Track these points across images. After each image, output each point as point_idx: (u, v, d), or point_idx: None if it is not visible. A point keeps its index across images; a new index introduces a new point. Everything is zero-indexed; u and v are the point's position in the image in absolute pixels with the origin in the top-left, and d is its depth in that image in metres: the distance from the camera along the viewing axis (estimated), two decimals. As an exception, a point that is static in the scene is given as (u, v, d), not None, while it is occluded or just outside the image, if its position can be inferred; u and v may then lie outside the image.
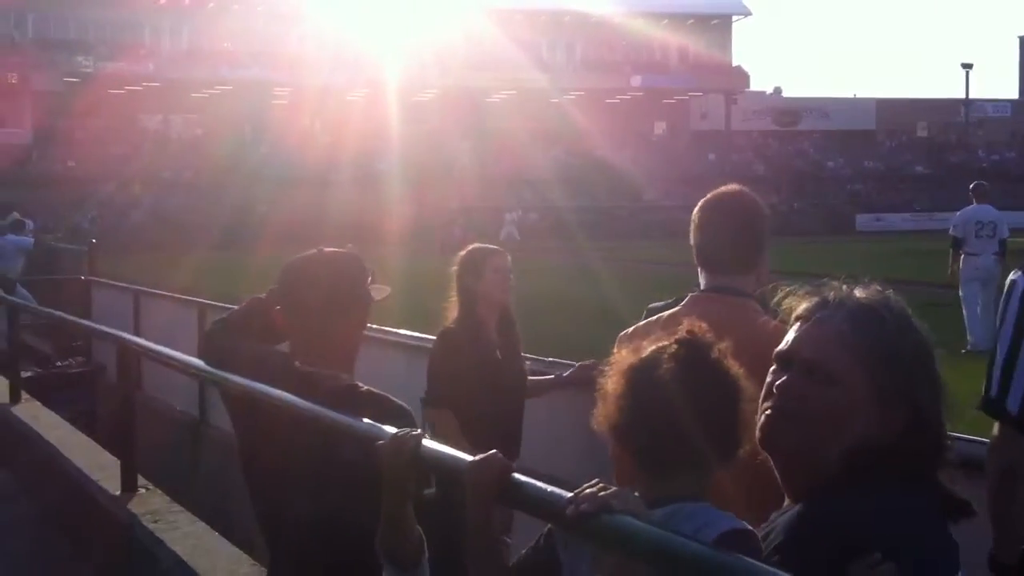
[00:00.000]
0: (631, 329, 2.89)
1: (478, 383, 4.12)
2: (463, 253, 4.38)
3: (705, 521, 1.74)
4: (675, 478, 1.81)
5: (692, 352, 1.82)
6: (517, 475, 1.79)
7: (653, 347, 1.88)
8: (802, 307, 1.68)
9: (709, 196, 2.82)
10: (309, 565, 2.66)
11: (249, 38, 56.45)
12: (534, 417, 4.38)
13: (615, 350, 2.90)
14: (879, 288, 1.67)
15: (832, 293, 1.67)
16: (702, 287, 2.80)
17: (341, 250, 2.84)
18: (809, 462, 1.61)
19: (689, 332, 1.86)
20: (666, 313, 2.80)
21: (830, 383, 1.59)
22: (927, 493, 1.57)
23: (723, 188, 2.85)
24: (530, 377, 4.49)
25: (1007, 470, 2.42)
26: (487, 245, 4.50)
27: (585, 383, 4.36)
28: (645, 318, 3.39)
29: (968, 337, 11.70)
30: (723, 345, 1.86)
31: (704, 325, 1.89)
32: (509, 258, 4.41)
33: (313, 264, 2.77)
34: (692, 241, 2.83)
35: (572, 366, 4.53)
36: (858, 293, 1.66)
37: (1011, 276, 2.50)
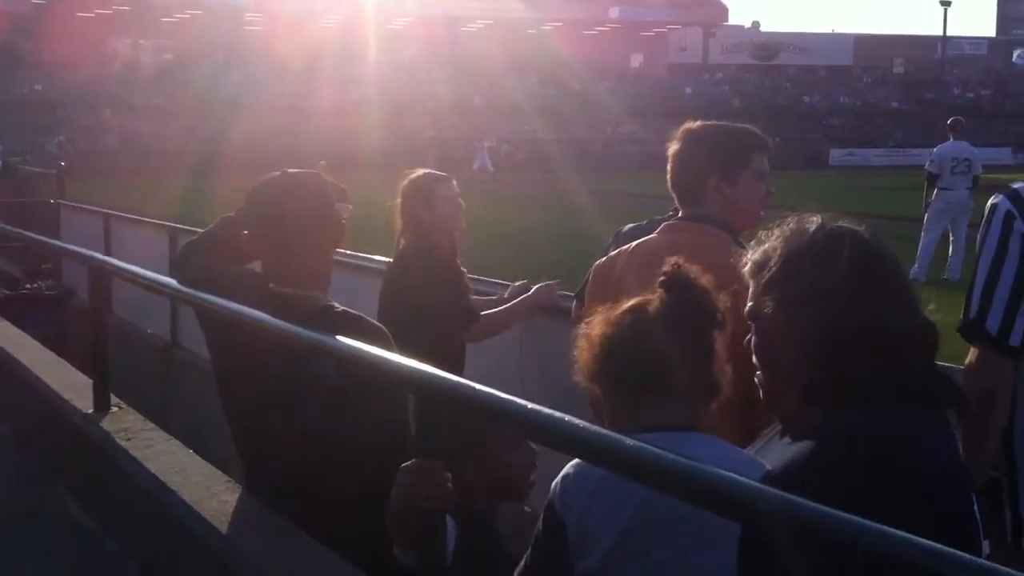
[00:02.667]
0: (604, 259, 2.92)
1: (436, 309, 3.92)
2: (407, 181, 4.14)
3: (715, 451, 1.79)
4: (663, 407, 1.86)
5: (680, 287, 1.90)
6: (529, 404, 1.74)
7: (638, 298, 1.94)
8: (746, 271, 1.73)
9: (682, 127, 2.84)
10: (286, 485, 2.67)
11: (220, -40, 55.31)
12: (476, 347, 4.20)
13: (590, 279, 2.93)
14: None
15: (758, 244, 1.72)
16: (679, 217, 2.82)
17: (305, 171, 2.81)
18: (784, 394, 1.64)
19: (675, 266, 1.93)
20: (634, 243, 2.83)
21: (756, 317, 1.67)
22: (930, 411, 1.57)
23: (696, 121, 2.86)
24: (485, 312, 4.22)
25: (984, 394, 2.35)
26: (432, 171, 4.24)
27: (545, 304, 4.27)
28: (613, 241, 3.41)
29: (914, 265, 11.88)
30: (706, 277, 1.93)
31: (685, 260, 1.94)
32: (455, 183, 4.22)
33: (276, 187, 2.73)
34: (668, 173, 2.85)
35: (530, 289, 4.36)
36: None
37: (992, 200, 2.44)
